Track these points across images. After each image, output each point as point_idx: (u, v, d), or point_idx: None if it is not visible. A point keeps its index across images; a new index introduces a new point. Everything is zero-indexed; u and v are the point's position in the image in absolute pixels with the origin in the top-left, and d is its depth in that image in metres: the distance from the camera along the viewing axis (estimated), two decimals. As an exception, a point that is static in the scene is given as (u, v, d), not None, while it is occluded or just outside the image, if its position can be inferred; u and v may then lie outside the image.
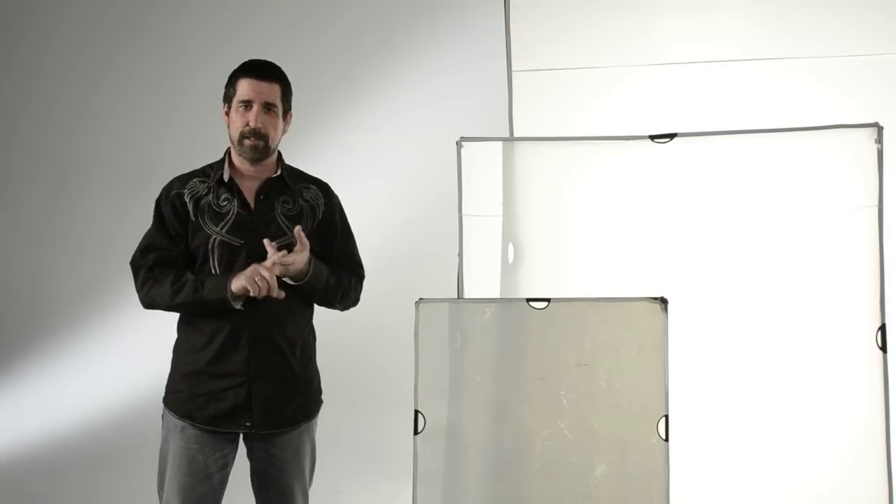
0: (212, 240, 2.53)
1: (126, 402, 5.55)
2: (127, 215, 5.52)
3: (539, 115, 3.23)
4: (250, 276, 2.42)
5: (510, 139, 3.09)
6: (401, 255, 5.26)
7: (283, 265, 2.46)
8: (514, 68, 3.25)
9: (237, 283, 2.44)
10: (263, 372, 2.53)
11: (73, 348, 6.01)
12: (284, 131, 2.64)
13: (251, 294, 2.44)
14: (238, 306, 2.47)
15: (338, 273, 2.64)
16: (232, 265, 2.51)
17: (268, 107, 2.55)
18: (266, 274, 2.42)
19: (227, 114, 2.61)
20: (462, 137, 2.93)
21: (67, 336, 6.03)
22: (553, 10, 3.27)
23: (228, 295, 2.45)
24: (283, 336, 2.56)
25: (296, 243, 2.52)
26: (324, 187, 2.73)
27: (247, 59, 2.62)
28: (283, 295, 2.46)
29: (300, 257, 2.49)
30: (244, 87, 2.55)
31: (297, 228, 2.50)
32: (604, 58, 3.22)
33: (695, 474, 2.63)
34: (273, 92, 2.56)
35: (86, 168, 6.17)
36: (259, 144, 2.55)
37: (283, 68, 2.64)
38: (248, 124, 2.54)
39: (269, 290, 2.43)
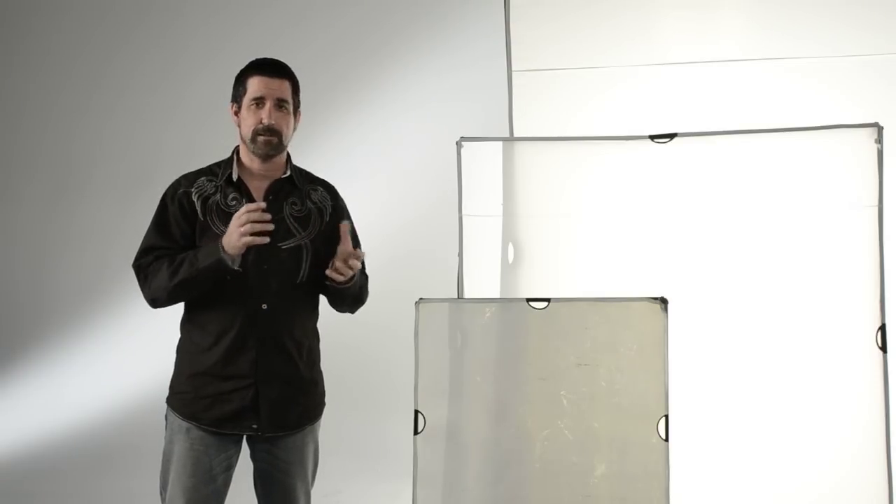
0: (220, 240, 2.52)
1: (127, 403, 5.55)
2: (127, 215, 5.53)
3: (539, 115, 3.23)
4: (238, 227, 2.39)
5: (510, 139, 3.09)
6: (401, 255, 5.26)
7: (356, 258, 2.48)
8: (514, 68, 3.25)
9: (228, 239, 2.41)
10: (271, 374, 2.52)
11: (74, 348, 6.01)
12: (294, 128, 2.64)
13: (246, 242, 2.40)
14: (236, 266, 2.44)
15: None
16: (242, 267, 2.49)
17: (280, 103, 2.55)
18: (247, 218, 2.39)
19: (237, 113, 2.60)
20: (462, 137, 2.93)
21: (68, 336, 6.04)
22: (553, 10, 3.27)
23: (223, 254, 2.41)
24: (290, 338, 2.56)
25: (304, 246, 2.54)
26: (330, 189, 2.73)
27: (253, 58, 2.62)
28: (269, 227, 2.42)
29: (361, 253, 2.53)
30: (256, 85, 2.54)
31: (345, 226, 2.50)
32: (604, 58, 3.22)
33: (695, 474, 2.63)
34: (284, 89, 2.56)
35: (86, 168, 6.18)
36: (273, 140, 2.55)
37: (284, 68, 2.64)
38: (261, 121, 2.53)
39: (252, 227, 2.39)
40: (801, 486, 2.67)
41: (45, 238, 6.19)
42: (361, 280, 2.64)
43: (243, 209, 2.42)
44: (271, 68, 2.57)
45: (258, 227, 2.39)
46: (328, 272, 2.48)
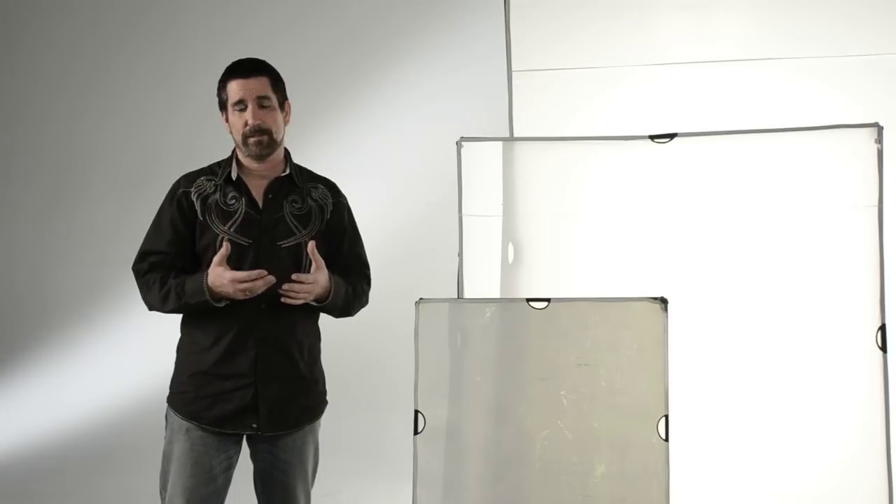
0: (220, 239, 2.51)
1: (127, 402, 5.55)
2: (127, 215, 5.53)
3: (539, 115, 3.23)
4: (234, 290, 2.43)
5: (510, 139, 3.09)
6: (401, 255, 5.26)
7: (306, 291, 2.48)
8: (514, 68, 3.25)
9: (218, 291, 2.44)
10: (271, 373, 2.53)
11: (74, 348, 6.01)
12: (286, 122, 2.63)
13: (241, 297, 2.44)
14: (222, 305, 2.47)
15: (351, 281, 2.66)
16: (240, 265, 2.49)
17: (261, 101, 2.54)
18: (246, 286, 2.42)
19: (227, 120, 2.60)
20: (462, 137, 2.93)
21: (68, 336, 6.03)
22: (553, 10, 3.27)
23: (208, 296, 2.45)
24: (292, 337, 2.56)
25: (304, 244, 2.53)
26: (332, 187, 2.73)
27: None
28: (273, 280, 2.45)
29: (321, 276, 2.51)
30: (234, 89, 2.54)
31: (311, 245, 2.50)
32: (604, 58, 3.22)
33: (695, 474, 2.63)
34: (263, 85, 2.55)
35: (86, 168, 6.18)
36: (263, 140, 2.54)
37: (284, 68, 2.64)
38: (247, 123, 2.53)
39: (254, 291, 2.44)
40: (801, 486, 2.67)
41: (45, 238, 6.19)
42: (346, 296, 2.62)
43: (256, 274, 2.43)
44: (246, 69, 2.56)
45: (259, 290, 2.44)
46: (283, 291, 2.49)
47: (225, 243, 2.46)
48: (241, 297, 2.44)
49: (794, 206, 2.74)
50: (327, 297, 2.55)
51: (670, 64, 3.18)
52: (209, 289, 2.45)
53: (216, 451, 2.53)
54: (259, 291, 2.45)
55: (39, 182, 6.24)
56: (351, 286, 2.65)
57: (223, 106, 2.60)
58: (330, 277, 2.55)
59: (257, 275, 2.43)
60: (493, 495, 2.37)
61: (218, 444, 2.53)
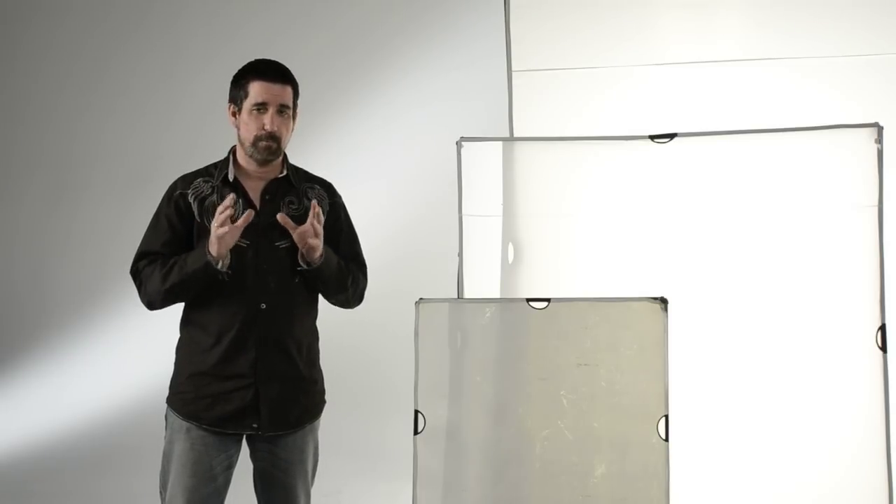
0: None
1: (127, 402, 5.55)
2: (127, 215, 5.52)
3: (539, 115, 3.23)
4: (213, 234, 2.40)
5: (510, 139, 3.09)
6: (401, 255, 5.26)
7: (315, 234, 2.45)
8: (514, 68, 3.25)
9: (210, 240, 2.42)
10: (271, 373, 2.52)
11: (74, 349, 6.01)
12: (292, 131, 2.64)
13: (223, 243, 2.40)
14: (224, 268, 2.44)
15: (345, 262, 2.64)
16: (240, 266, 2.49)
17: (282, 109, 2.54)
18: (223, 217, 2.39)
19: (235, 115, 2.58)
20: (462, 137, 2.93)
21: (68, 336, 6.04)
22: (553, 10, 3.27)
23: (210, 258, 2.42)
24: (290, 337, 2.56)
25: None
26: (328, 187, 2.72)
27: (253, 59, 2.60)
28: (251, 216, 2.42)
29: (318, 229, 2.48)
30: (258, 90, 2.52)
31: (282, 215, 2.46)
32: (604, 58, 3.22)
33: (695, 474, 2.63)
34: (287, 94, 2.55)
35: (86, 168, 6.18)
36: (272, 146, 2.54)
37: (283, 68, 2.64)
38: (263, 127, 2.51)
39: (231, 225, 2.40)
40: (801, 486, 2.67)
41: (45, 238, 6.19)
42: (338, 267, 2.59)
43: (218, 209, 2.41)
44: (274, 73, 2.55)
45: (228, 213, 2.38)
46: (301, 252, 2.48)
47: (229, 197, 2.43)
48: (218, 229, 2.38)
49: (794, 206, 2.74)
50: (318, 261, 2.51)
51: (670, 64, 3.18)
52: (209, 249, 2.42)
53: (216, 451, 2.53)
54: (235, 235, 2.40)
55: (39, 182, 6.25)
56: (343, 262, 2.62)
57: (236, 101, 2.57)
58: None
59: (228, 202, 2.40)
60: (493, 495, 2.37)
61: (218, 444, 2.53)
